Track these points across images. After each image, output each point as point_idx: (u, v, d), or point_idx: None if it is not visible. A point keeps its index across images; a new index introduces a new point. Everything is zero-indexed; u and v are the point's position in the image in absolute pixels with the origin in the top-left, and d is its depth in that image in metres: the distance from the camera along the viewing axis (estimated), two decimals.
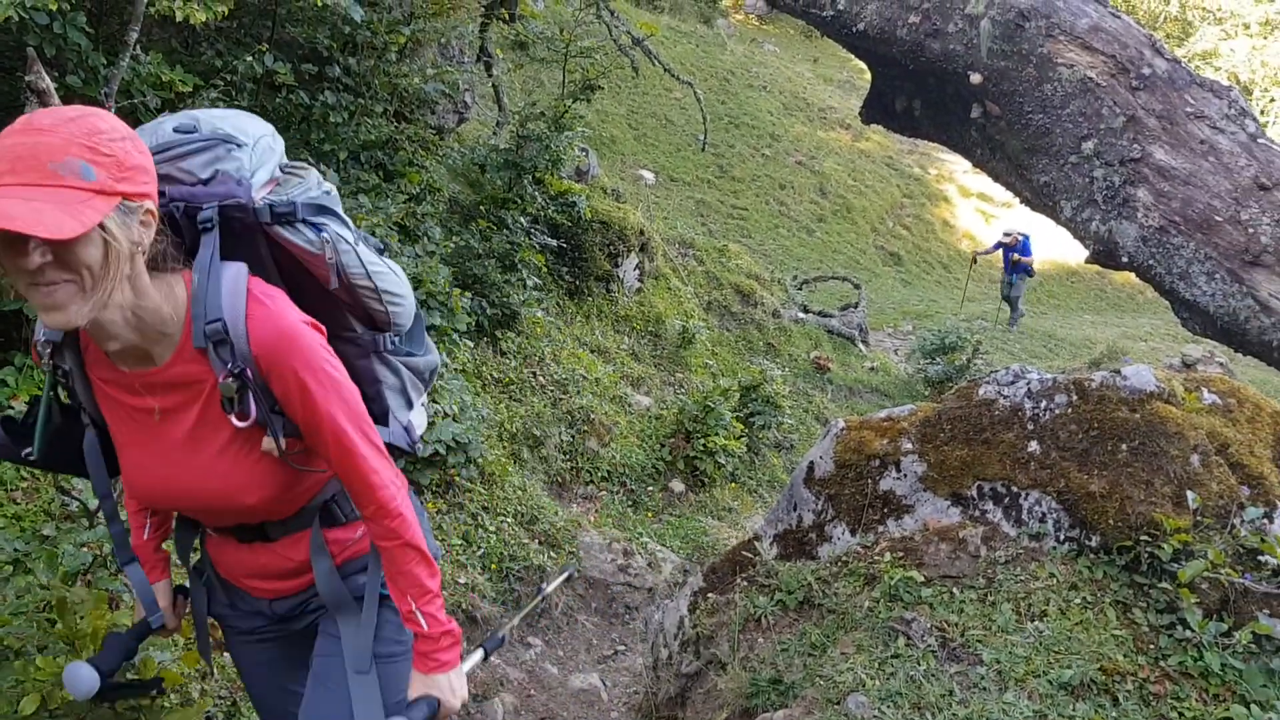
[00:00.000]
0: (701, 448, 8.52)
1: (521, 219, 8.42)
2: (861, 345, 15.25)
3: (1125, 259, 6.65)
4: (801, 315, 14.55)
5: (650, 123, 23.66)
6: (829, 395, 12.67)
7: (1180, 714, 3.73)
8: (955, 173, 28.16)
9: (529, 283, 8.26)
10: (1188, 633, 3.90)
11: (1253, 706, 3.68)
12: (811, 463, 4.76)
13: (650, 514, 8.03)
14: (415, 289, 6.46)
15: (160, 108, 5.03)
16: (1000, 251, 19.80)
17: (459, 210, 8.35)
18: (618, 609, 6.97)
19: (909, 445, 4.56)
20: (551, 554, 6.84)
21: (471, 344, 7.30)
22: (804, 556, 4.71)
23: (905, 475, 4.50)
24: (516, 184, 8.36)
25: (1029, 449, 4.34)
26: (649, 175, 21.95)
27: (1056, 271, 25.34)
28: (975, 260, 20.51)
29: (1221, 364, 15.96)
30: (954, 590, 4.15)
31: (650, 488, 8.29)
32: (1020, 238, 19.50)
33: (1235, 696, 3.78)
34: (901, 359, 16.19)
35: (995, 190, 27.34)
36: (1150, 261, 6.55)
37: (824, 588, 4.43)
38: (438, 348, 6.68)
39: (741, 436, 8.95)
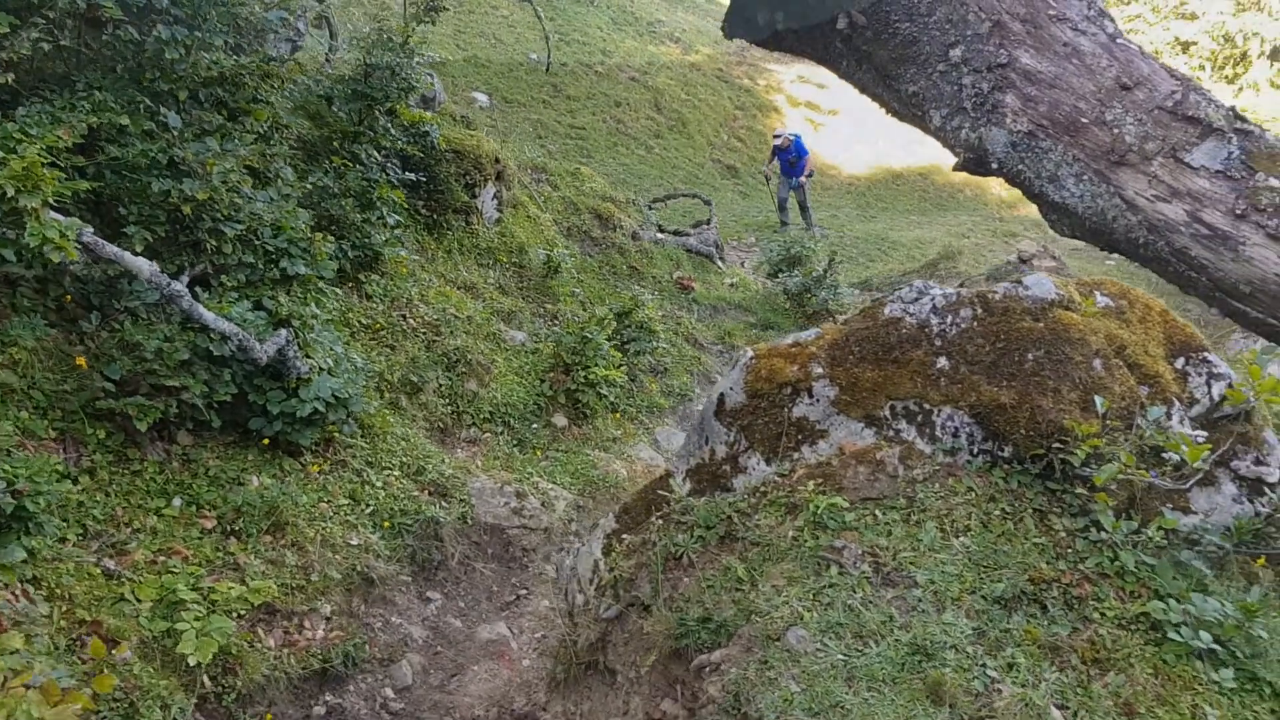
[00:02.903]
0: (582, 379, 8.35)
1: (375, 153, 7.95)
2: (720, 262, 15.26)
3: (995, 165, 6.73)
4: (659, 236, 14.42)
5: (479, 42, 22.87)
6: (695, 315, 12.65)
7: (1102, 614, 3.84)
8: (783, 82, 28.33)
9: (389, 221, 7.83)
10: (1102, 534, 4.00)
11: (1169, 600, 3.81)
12: (722, 394, 4.66)
13: (537, 452, 7.85)
14: (275, 236, 6.02)
15: None
16: (778, 159, 19.47)
17: (306, 147, 7.80)
18: (515, 552, 6.81)
19: (819, 370, 4.50)
20: (443, 504, 6.59)
21: (338, 291, 6.88)
22: (720, 490, 4.64)
23: (818, 400, 4.45)
24: (367, 116, 7.86)
25: (938, 365, 4.35)
26: (482, 98, 21.27)
27: (883, 176, 25.94)
28: (768, 179, 20.36)
29: (1055, 257, 16.67)
30: (877, 513, 4.15)
31: (534, 425, 8.09)
32: (791, 139, 19.21)
33: (1150, 592, 3.91)
34: (750, 271, 16.31)
35: (822, 98, 27.71)
36: (1020, 166, 6.64)
37: (744, 520, 4.37)
38: (305, 298, 6.27)
39: (621, 365, 8.82)
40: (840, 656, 3.53)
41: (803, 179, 19.26)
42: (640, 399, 9.42)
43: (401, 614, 5.93)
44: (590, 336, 8.48)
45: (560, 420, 8.35)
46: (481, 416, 7.81)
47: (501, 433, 7.86)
